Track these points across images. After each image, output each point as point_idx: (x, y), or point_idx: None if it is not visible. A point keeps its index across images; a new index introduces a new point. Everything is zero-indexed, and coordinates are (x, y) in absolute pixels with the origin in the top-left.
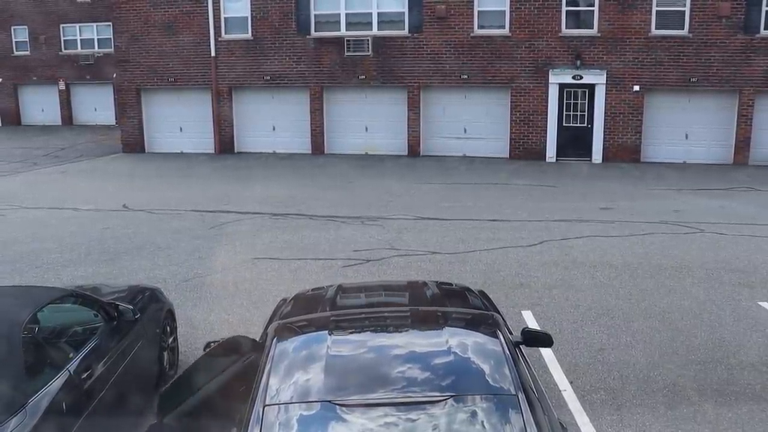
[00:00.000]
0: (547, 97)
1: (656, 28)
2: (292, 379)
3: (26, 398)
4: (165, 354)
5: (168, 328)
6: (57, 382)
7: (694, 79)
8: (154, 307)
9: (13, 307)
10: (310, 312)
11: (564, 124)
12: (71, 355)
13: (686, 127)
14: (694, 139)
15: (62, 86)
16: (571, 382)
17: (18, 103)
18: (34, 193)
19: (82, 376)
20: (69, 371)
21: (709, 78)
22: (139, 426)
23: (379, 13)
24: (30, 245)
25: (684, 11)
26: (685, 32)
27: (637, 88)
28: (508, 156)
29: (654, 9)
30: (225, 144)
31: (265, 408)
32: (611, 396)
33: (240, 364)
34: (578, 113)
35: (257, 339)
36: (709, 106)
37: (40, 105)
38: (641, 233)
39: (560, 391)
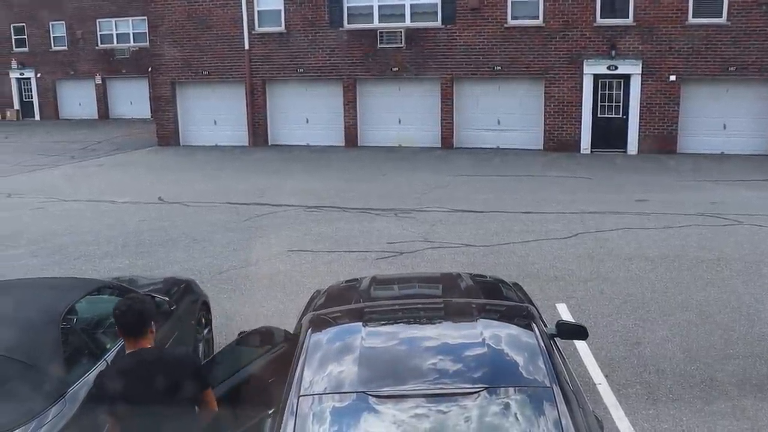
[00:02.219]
0: (582, 87)
1: (693, 17)
2: (326, 370)
3: (65, 387)
4: (200, 345)
5: (203, 320)
6: (95, 372)
7: (732, 68)
8: (189, 299)
9: (53, 298)
10: (344, 303)
11: (599, 115)
12: (108, 345)
13: (724, 118)
14: (733, 129)
15: (98, 80)
16: (606, 376)
17: (56, 97)
18: (72, 185)
19: None
20: (106, 361)
21: (748, 67)
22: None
23: (411, 5)
24: (68, 237)
25: None
26: (723, 20)
27: (673, 77)
28: (542, 148)
29: None
30: (259, 137)
31: (300, 398)
32: (647, 390)
33: (270, 354)
34: (613, 104)
35: (290, 330)
36: (748, 96)
37: (77, 99)
38: (678, 225)
39: (595, 384)
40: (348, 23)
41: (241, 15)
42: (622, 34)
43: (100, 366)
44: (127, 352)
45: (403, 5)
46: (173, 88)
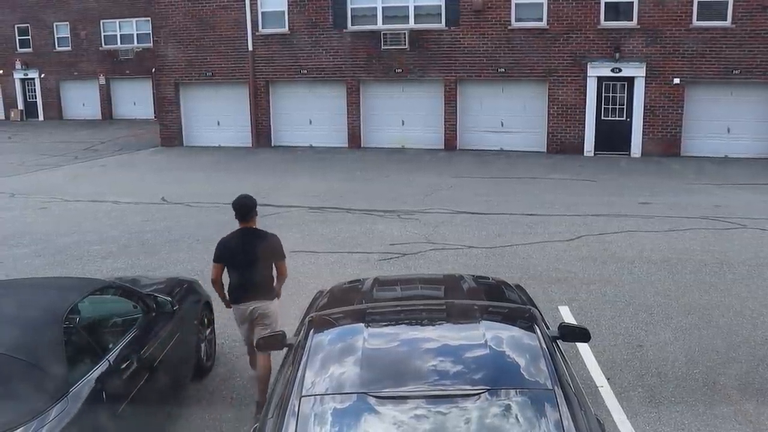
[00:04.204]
0: (585, 90)
1: (697, 19)
2: (328, 371)
3: (68, 387)
4: (202, 346)
5: (205, 320)
6: (97, 372)
7: (736, 72)
8: (192, 299)
9: (55, 297)
10: (347, 304)
11: (602, 118)
12: (111, 345)
13: (728, 121)
14: (737, 132)
15: (102, 81)
16: (608, 379)
17: (60, 97)
18: (75, 186)
19: (122, 366)
20: (109, 361)
21: (753, 70)
22: (176, 416)
23: (415, 7)
24: (71, 237)
25: (726, 1)
26: (727, 23)
27: (677, 80)
28: (545, 150)
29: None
30: (262, 138)
31: (302, 399)
32: (649, 393)
33: None
34: (617, 107)
35: (293, 331)
36: (752, 99)
37: (81, 100)
38: (681, 228)
39: (597, 387)
40: (352, 25)
41: (245, 16)
42: (626, 37)
43: (103, 365)
44: (239, 227)
45: (407, 7)
46: (177, 89)
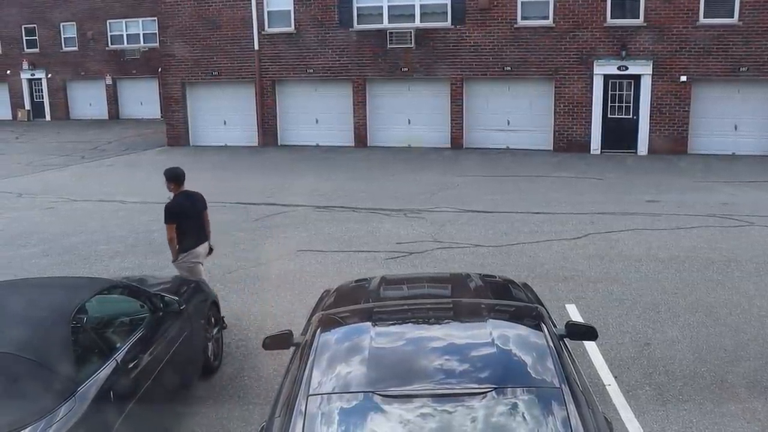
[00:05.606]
0: (592, 88)
1: (704, 17)
2: (335, 369)
3: (75, 386)
4: (209, 345)
5: (212, 320)
6: (105, 371)
7: (744, 69)
8: (199, 299)
9: (63, 297)
10: (353, 303)
11: (609, 116)
12: (118, 344)
13: (735, 118)
14: (744, 130)
15: (109, 81)
16: (615, 377)
17: (66, 97)
18: (82, 185)
19: (129, 366)
20: (116, 360)
21: (760, 67)
22: (184, 415)
23: (421, 5)
24: (78, 237)
25: None
26: (734, 20)
27: (684, 78)
28: (551, 148)
29: None
30: (268, 137)
31: (309, 398)
32: (657, 392)
33: None
34: (623, 104)
35: (299, 330)
36: (760, 97)
37: (87, 99)
38: (688, 226)
39: (605, 385)
40: (358, 23)
41: (251, 15)
42: (633, 35)
43: (111, 365)
44: (178, 192)
45: (413, 5)
46: (183, 89)
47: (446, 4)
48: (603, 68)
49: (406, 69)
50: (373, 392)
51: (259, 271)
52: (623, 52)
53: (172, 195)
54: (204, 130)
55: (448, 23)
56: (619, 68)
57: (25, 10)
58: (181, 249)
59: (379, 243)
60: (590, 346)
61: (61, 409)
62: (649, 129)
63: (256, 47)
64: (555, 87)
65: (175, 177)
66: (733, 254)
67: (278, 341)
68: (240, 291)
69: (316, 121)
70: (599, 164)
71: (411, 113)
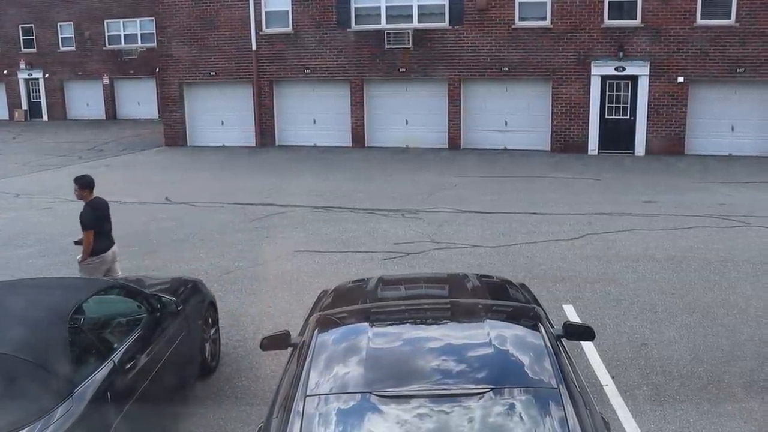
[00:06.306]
0: (589, 89)
1: (702, 18)
2: (332, 370)
3: (72, 387)
4: (207, 345)
5: (210, 320)
6: (102, 372)
7: (740, 70)
8: (197, 299)
9: (60, 298)
10: (351, 304)
11: (606, 117)
12: (116, 345)
13: (732, 119)
14: (741, 131)
15: (106, 81)
16: (613, 377)
17: (64, 98)
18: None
19: (126, 366)
20: (113, 361)
21: (757, 69)
22: (181, 415)
23: (419, 6)
24: (76, 237)
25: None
26: (731, 21)
27: (681, 79)
28: (549, 149)
29: None
30: (266, 137)
31: (306, 398)
32: (654, 391)
33: None
34: (621, 105)
35: (297, 330)
36: (757, 98)
37: (85, 100)
38: (685, 227)
39: (602, 386)
40: (355, 24)
41: (249, 16)
42: (630, 36)
43: (108, 365)
44: (91, 198)
45: (411, 6)
46: (181, 89)
47: (444, 5)
48: (600, 69)
49: (403, 69)
50: (370, 393)
51: (257, 272)
52: (620, 53)
53: (83, 202)
54: (202, 131)
55: (445, 24)
56: (616, 69)
57: (22, 10)
58: (93, 252)
59: (376, 243)
60: (588, 346)
61: (59, 409)
62: (647, 130)
63: (254, 47)
64: (552, 88)
65: (88, 184)
66: (730, 255)
67: (276, 342)
68: (237, 291)
69: (314, 122)
70: (596, 165)
71: (409, 114)
